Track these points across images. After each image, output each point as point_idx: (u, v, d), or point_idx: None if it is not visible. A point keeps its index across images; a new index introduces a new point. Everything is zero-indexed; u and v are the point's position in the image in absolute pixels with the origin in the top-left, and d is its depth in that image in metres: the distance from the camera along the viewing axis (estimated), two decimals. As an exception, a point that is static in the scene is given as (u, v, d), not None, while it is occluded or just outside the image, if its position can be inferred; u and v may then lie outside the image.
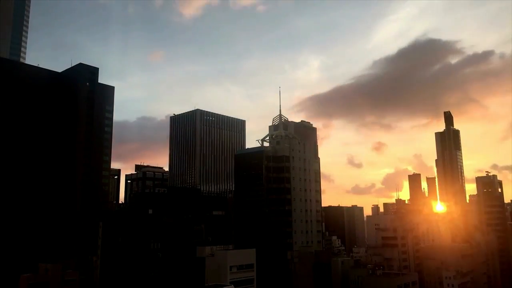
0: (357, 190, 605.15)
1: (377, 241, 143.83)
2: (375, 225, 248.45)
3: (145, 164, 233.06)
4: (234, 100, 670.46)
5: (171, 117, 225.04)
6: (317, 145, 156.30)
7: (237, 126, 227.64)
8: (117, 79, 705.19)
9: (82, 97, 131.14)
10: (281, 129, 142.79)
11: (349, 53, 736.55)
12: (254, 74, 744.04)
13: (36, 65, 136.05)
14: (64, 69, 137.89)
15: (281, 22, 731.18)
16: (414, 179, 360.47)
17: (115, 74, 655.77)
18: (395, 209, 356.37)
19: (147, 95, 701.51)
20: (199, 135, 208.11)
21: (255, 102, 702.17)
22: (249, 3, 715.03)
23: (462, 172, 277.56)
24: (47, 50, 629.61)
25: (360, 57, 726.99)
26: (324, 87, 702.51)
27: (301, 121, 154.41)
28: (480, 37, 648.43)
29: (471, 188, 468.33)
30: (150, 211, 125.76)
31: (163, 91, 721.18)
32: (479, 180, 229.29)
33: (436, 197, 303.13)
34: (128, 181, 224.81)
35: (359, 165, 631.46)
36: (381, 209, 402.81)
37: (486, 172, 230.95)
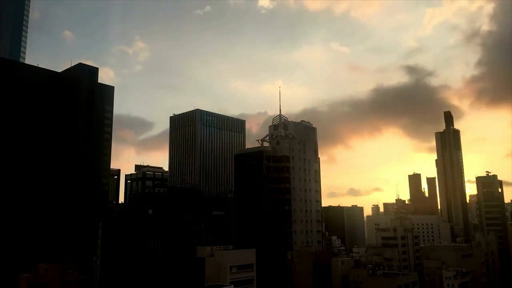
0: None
1: (377, 241, 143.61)
2: (375, 225, 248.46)
3: (145, 164, 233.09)
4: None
5: (170, 117, 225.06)
6: (317, 145, 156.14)
7: (237, 126, 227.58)
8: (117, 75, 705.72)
9: (82, 97, 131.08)
10: (281, 129, 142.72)
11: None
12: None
13: (36, 65, 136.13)
14: (64, 69, 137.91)
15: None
16: (414, 179, 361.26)
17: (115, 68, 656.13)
18: (395, 209, 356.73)
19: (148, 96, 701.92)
20: (199, 135, 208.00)
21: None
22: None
23: (462, 172, 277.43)
24: (47, 50, 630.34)
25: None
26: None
27: (301, 121, 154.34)
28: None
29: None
30: (150, 211, 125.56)
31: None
32: (479, 180, 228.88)
33: (436, 197, 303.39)
34: (128, 181, 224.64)
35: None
36: (381, 209, 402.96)
37: (486, 172, 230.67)
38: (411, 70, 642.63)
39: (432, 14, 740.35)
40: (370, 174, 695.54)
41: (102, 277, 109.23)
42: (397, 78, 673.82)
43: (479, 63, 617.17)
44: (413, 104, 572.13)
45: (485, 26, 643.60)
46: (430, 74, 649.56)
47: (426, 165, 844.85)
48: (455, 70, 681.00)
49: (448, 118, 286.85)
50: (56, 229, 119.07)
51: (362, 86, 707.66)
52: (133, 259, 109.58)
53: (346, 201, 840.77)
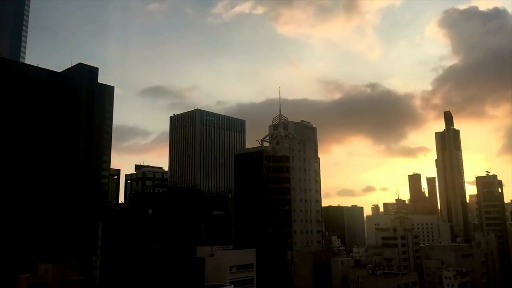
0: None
1: (377, 241, 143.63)
2: (375, 225, 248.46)
3: (145, 164, 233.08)
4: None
5: (170, 117, 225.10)
6: (317, 145, 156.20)
7: (237, 126, 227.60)
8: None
9: (82, 97, 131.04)
10: (281, 129, 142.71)
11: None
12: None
13: (36, 65, 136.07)
14: (64, 69, 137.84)
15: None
16: (414, 179, 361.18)
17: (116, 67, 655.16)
18: (395, 209, 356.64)
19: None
20: (199, 135, 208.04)
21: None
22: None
23: (462, 172, 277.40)
24: (47, 50, 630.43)
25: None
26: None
27: (301, 121, 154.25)
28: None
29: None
30: (150, 211, 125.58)
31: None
32: (479, 180, 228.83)
33: (436, 197, 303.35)
34: (128, 181, 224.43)
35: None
36: (381, 209, 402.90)
37: (486, 172, 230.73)
38: (373, 86, 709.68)
39: (399, 44, 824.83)
40: (357, 176, 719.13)
41: (102, 277, 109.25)
42: (363, 92, 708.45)
43: (432, 85, 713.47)
44: (375, 114, 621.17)
45: (441, 52, 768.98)
46: (392, 91, 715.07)
47: (403, 167, 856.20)
48: (412, 89, 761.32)
49: (448, 118, 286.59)
50: (56, 229, 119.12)
51: (334, 97, 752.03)
52: (133, 259, 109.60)
53: (336, 202, 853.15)
